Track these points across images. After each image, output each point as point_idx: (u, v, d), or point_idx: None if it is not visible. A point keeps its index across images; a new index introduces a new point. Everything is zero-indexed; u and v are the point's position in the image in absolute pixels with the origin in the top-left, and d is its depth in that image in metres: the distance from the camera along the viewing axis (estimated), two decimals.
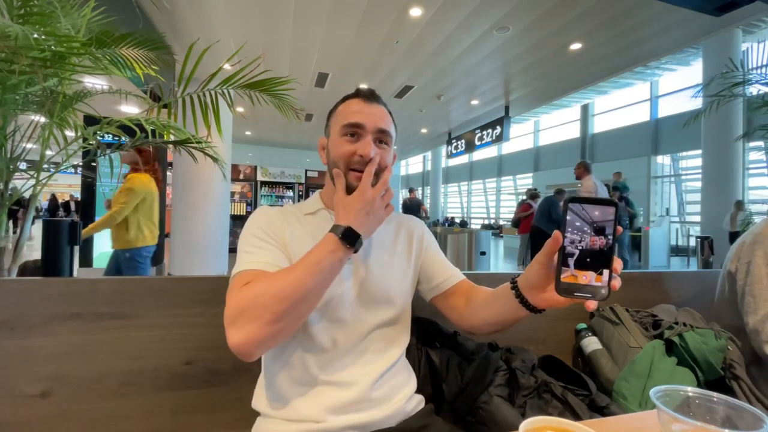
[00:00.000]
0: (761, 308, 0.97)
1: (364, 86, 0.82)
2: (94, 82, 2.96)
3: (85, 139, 1.80)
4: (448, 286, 0.83)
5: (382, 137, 0.76)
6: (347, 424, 0.69)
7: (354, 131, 0.75)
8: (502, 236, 12.13)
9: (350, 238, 0.65)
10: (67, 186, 14.48)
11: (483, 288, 0.80)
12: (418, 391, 0.82)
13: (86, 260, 4.34)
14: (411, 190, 8.89)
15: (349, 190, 0.73)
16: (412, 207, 8.37)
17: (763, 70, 3.88)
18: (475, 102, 6.76)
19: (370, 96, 0.79)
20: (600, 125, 12.34)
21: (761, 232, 1.04)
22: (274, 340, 0.62)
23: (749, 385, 0.93)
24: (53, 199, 12.20)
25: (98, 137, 1.85)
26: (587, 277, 0.53)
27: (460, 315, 0.80)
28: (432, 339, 0.95)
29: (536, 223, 5.95)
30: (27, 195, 1.69)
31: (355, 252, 0.66)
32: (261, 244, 0.71)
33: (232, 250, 6.16)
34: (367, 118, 0.75)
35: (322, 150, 0.83)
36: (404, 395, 0.77)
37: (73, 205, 12.63)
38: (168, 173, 5.50)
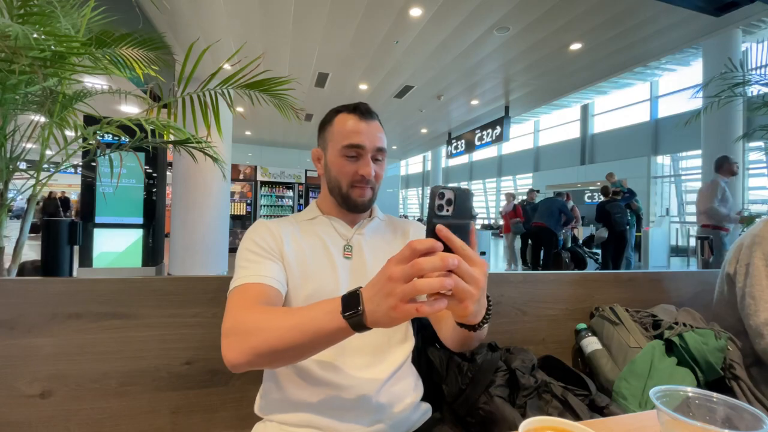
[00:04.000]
0: (762, 310, 0.96)
1: (360, 100, 0.82)
2: (93, 82, 2.96)
3: (85, 139, 1.80)
4: None
5: (378, 155, 0.79)
6: None
7: (355, 152, 0.78)
8: (501, 236, 12.07)
9: (351, 304, 0.48)
10: (67, 186, 14.45)
11: None
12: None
13: (86, 260, 4.34)
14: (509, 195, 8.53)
15: (350, 203, 0.79)
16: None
17: (763, 70, 3.88)
18: (475, 102, 6.76)
19: (366, 113, 0.79)
20: (600, 125, 12.34)
21: (759, 234, 1.04)
22: (258, 366, 0.59)
23: (749, 386, 0.93)
24: (50, 198, 11.66)
25: (98, 137, 1.85)
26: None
27: (438, 327, 0.77)
28: (432, 339, 0.95)
29: (543, 222, 5.94)
30: (26, 196, 1.69)
31: (352, 328, 0.49)
32: (255, 258, 0.71)
33: (232, 250, 6.16)
34: (366, 139, 0.77)
35: (318, 161, 0.85)
36: (410, 402, 0.76)
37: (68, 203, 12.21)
38: (168, 173, 5.49)
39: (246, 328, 0.57)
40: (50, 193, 11.42)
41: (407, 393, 0.77)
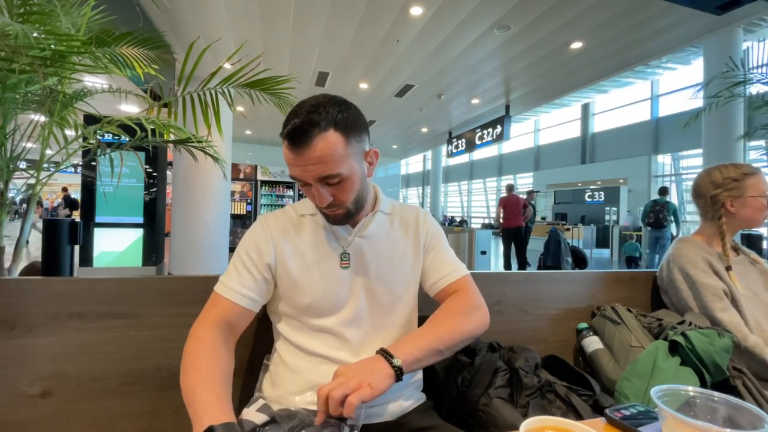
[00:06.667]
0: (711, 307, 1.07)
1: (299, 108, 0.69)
2: (94, 81, 2.95)
3: (85, 138, 1.80)
4: (442, 286, 0.81)
5: (329, 180, 0.69)
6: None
7: (300, 182, 0.71)
8: (500, 235, 12.07)
9: None
10: (68, 185, 14.46)
11: (453, 297, 0.78)
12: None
13: (87, 260, 4.34)
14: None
15: (329, 221, 0.77)
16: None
17: (764, 69, 3.86)
18: (475, 101, 6.74)
19: (297, 139, 0.65)
20: (600, 124, 12.33)
21: (672, 253, 1.18)
22: None
23: (757, 386, 0.93)
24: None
25: (98, 136, 1.85)
26: None
27: None
28: None
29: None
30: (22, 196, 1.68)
31: None
32: (241, 268, 0.76)
33: (233, 250, 6.14)
34: (300, 172, 0.68)
35: None
36: (406, 393, 0.78)
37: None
38: (168, 172, 5.49)
39: (186, 358, 0.66)
40: None
41: (407, 384, 0.79)
